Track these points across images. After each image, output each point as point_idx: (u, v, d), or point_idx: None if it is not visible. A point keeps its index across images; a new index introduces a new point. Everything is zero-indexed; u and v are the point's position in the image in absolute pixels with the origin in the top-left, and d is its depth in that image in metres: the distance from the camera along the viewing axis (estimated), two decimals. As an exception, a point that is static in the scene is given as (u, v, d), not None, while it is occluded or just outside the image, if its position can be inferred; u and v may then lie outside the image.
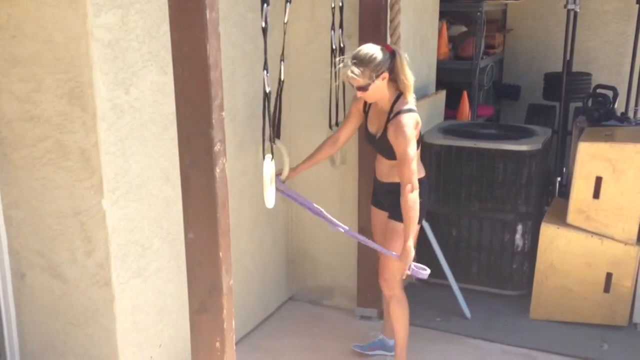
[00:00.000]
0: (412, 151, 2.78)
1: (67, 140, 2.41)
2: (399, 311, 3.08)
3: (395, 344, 3.15)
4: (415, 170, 2.80)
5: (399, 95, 2.85)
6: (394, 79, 2.82)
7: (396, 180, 2.89)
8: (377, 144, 2.96)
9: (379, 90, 2.81)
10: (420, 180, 2.89)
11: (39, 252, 2.61)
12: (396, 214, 2.92)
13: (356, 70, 2.74)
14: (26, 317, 2.73)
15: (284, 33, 2.69)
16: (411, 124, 2.79)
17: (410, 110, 2.82)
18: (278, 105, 2.79)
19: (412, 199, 2.79)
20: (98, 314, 2.57)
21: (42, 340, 2.72)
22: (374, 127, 2.97)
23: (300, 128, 3.71)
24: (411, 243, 2.84)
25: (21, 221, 2.61)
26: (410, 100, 2.85)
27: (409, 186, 2.78)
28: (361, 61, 2.75)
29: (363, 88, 2.78)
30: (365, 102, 2.98)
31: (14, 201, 2.59)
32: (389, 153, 2.88)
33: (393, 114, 2.82)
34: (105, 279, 2.52)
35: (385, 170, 3.00)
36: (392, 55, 2.79)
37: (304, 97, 3.64)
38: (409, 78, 2.82)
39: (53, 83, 2.37)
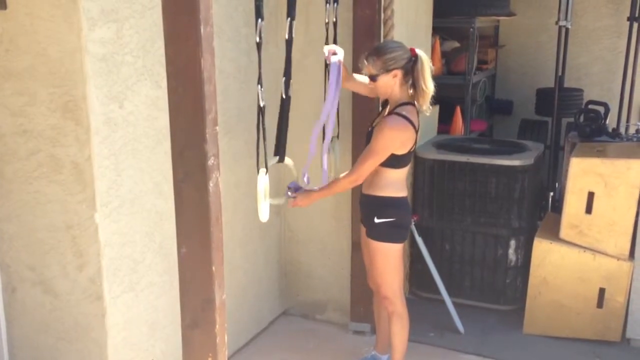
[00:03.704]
0: (382, 152, 2.74)
1: (60, 154, 2.41)
2: (399, 327, 3.01)
3: (392, 359, 3.11)
4: (369, 171, 2.78)
5: (407, 102, 2.80)
6: (412, 83, 2.78)
7: (374, 193, 2.87)
8: (367, 141, 2.89)
9: (388, 86, 2.78)
10: (401, 200, 2.88)
11: (30, 266, 2.59)
12: (371, 232, 2.91)
13: (370, 58, 2.77)
14: (17, 331, 2.70)
15: (286, 50, 2.62)
16: (400, 128, 2.73)
17: (407, 119, 2.75)
18: (283, 124, 2.74)
19: (344, 186, 2.84)
20: (89, 328, 2.55)
21: (32, 355, 2.69)
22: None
23: (295, 142, 3.71)
24: (311, 198, 2.87)
25: (13, 235, 2.59)
26: (422, 110, 2.81)
27: (354, 177, 2.79)
28: (377, 51, 2.77)
29: (373, 77, 2.78)
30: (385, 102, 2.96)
31: (5, 215, 2.58)
32: None
33: (391, 112, 2.79)
34: (96, 293, 2.50)
35: (368, 178, 2.90)
36: (413, 58, 2.76)
37: (299, 111, 3.64)
38: (429, 87, 2.77)
39: (47, 97, 2.37)
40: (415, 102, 2.82)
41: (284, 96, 2.67)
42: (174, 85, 1.90)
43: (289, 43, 2.60)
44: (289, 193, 2.92)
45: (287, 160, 2.80)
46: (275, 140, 2.76)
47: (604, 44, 5.68)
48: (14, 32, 2.36)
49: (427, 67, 2.78)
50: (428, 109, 2.83)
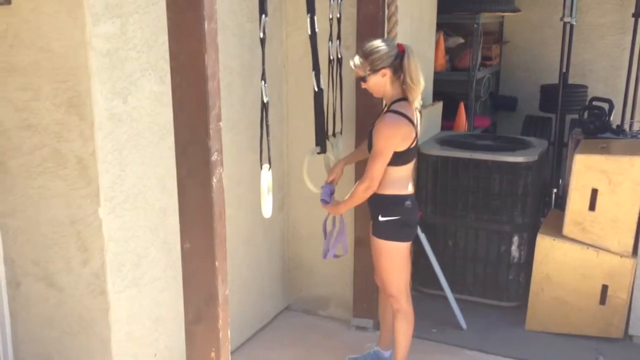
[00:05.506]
0: (386, 151, 2.73)
1: (64, 148, 2.41)
2: (403, 325, 3.00)
3: (394, 356, 3.09)
4: (379, 172, 2.76)
5: (402, 98, 2.78)
6: (402, 79, 2.75)
7: (378, 191, 2.85)
8: (368, 141, 2.90)
9: (380, 85, 2.77)
10: (405, 198, 2.86)
11: (35, 261, 2.60)
12: (376, 230, 2.91)
13: (356, 60, 2.76)
14: (21, 326, 2.71)
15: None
16: (396, 125, 2.71)
17: (402, 115, 2.73)
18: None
19: (361, 194, 2.82)
20: (93, 323, 2.56)
21: (36, 349, 2.71)
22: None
23: (298, 137, 3.72)
24: (339, 210, 2.99)
25: (17, 230, 2.60)
26: (414, 105, 2.78)
27: (367, 182, 2.77)
28: (363, 52, 2.76)
29: (362, 79, 2.78)
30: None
31: (9, 209, 2.59)
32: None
33: (386, 111, 2.79)
34: (100, 288, 2.51)
35: None
36: (400, 54, 2.73)
37: (302, 107, 3.65)
38: (416, 82, 2.73)
39: (51, 92, 2.37)
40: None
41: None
42: (177, 80, 1.91)
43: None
44: (324, 194, 3.02)
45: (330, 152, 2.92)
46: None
47: (608, 40, 5.67)
48: (19, 28, 2.36)
49: (415, 62, 2.74)
50: (419, 103, 2.81)
